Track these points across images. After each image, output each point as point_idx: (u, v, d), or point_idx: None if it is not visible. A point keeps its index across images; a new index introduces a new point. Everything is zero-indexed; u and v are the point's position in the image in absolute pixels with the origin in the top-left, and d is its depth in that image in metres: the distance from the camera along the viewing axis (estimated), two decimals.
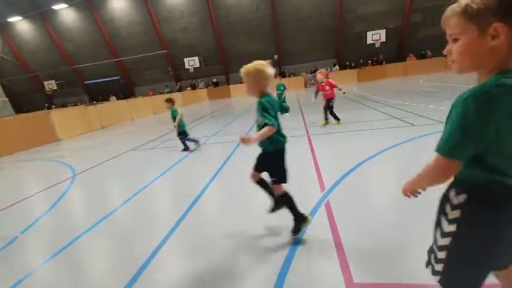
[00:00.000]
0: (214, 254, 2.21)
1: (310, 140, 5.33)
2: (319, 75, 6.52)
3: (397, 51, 21.55)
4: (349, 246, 2.07)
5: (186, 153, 5.64)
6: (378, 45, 20.63)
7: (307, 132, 6.02)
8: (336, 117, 6.54)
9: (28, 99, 29.06)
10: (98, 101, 24.83)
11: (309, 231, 2.32)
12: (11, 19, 24.65)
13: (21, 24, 25.50)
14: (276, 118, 2.09)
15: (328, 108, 6.51)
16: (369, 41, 20.59)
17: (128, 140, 8.31)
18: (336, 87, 6.35)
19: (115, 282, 2.01)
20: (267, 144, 2.14)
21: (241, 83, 23.40)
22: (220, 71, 24.87)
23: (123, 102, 16.34)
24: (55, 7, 23.21)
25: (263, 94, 2.17)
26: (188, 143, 5.87)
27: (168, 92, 24.10)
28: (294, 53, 22.92)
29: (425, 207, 2.57)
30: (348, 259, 1.92)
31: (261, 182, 2.44)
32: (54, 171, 5.71)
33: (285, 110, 3.46)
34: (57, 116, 10.59)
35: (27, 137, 9.18)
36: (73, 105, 24.70)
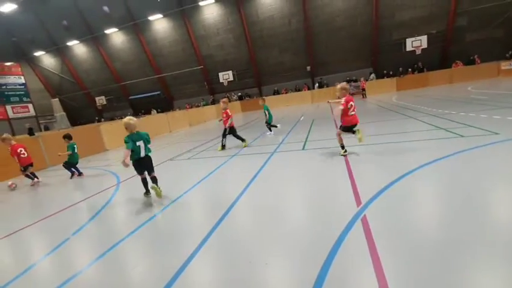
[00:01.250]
0: (247, 262, 2.20)
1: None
2: (222, 104, 7.53)
3: (440, 57, 20.20)
4: (387, 262, 1.93)
5: (221, 162, 5.78)
6: (418, 52, 19.55)
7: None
8: (223, 146, 7.25)
9: (82, 113, 32.39)
10: (140, 114, 26.78)
11: (344, 246, 2.21)
12: (70, 43, 28.02)
13: (78, 47, 28.84)
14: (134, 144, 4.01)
15: (224, 134, 7.27)
16: (409, 48, 19.62)
17: (166, 151, 8.78)
18: (231, 118, 7.31)
19: (150, 287, 2.10)
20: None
21: (274, 94, 23.69)
22: (253, 84, 25.45)
23: (162, 115, 17.43)
24: (107, 31, 25.94)
25: (130, 132, 4.07)
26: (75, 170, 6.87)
27: (204, 105, 25.18)
28: (327, 64, 22.68)
29: (471, 226, 2.33)
30: (385, 274, 1.80)
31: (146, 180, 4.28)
32: (103, 178, 6.22)
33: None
34: (105, 128, 11.62)
35: (81, 147, 10.13)
36: (119, 119, 26.96)
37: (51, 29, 27.72)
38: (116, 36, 26.90)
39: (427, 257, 1.97)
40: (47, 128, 30.54)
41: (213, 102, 25.94)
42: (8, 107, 29.71)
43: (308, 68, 23.15)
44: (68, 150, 6.75)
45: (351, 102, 4.83)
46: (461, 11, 18.58)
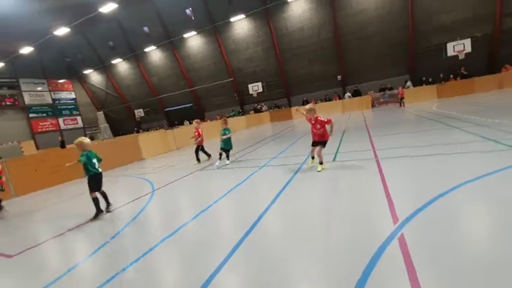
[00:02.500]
0: (277, 274, 2.15)
1: (379, 165, 4.87)
2: (195, 124, 8.85)
3: (487, 61, 18.61)
4: (426, 285, 1.76)
5: (249, 173, 5.81)
6: (462, 56, 18.18)
7: (376, 156, 5.54)
8: (197, 159, 8.26)
9: (123, 124, 34.91)
10: (174, 125, 28.14)
11: (381, 265, 2.07)
12: (114, 61, 30.67)
13: (121, 65, 31.44)
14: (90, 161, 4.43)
15: (197, 150, 8.37)
16: (450, 52, 18.35)
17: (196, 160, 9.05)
18: (201, 137, 8.48)
19: None
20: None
21: (302, 104, 23.50)
22: (282, 95, 25.55)
23: (192, 126, 18.07)
24: (146, 49, 28.00)
25: (83, 151, 4.45)
26: None
27: (233, 116, 25.75)
28: (359, 72, 22.07)
29: None
30: None
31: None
32: (139, 186, 6.57)
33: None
34: (143, 139, 12.37)
35: (121, 156, 10.94)
36: (155, 130, 28.58)
37: (99, 49, 30.65)
38: (153, 54, 28.92)
39: (469, 281, 1.76)
40: (92, 138, 33.33)
41: (243, 114, 26.43)
42: (60, 120, 33.15)
43: (339, 77, 22.71)
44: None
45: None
46: (510, 11, 17.07)
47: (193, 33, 25.39)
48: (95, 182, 4.50)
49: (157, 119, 32.68)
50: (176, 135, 14.38)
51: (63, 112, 33.33)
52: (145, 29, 26.79)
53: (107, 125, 34.09)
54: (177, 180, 6.46)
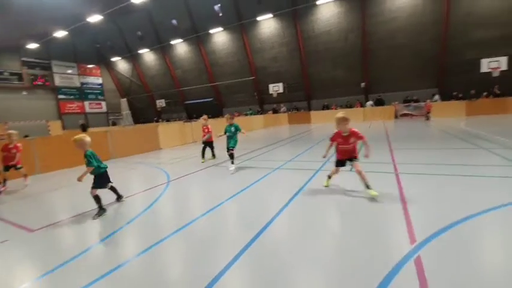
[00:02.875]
0: (284, 280, 2.13)
1: (399, 180, 4.71)
2: (202, 120, 8.53)
3: None
4: None
5: (263, 174, 5.80)
6: (496, 74, 17.25)
7: (396, 170, 5.36)
8: (203, 156, 8.11)
9: (144, 113, 35.90)
10: (193, 118, 28.59)
11: (394, 285, 1.99)
12: (141, 51, 31.55)
13: (147, 55, 32.28)
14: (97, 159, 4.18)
15: (210, 147, 8.23)
16: (484, 69, 17.45)
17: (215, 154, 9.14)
18: (209, 132, 8.21)
19: None
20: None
21: (323, 109, 23.18)
22: (302, 97, 25.31)
23: (212, 121, 18.29)
24: (173, 42, 28.59)
25: (85, 150, 4.09)
26: None
27: (250, 114, 25.81)
28: (384, 81, 21.46)
29: None
30: None
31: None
32: (155, 175, 6.73)
33: None
34: (162, 129, 12.65)
35: (141, 143, 11.26)
36: (174, 121, 29.17)
37: (128, 38, 31.63)
38: (179, 47, 29.47)
39: None
40: (114, 123, 34.56)
41: (262, 113, 26.43)
42: (86, 103, 34.54)
43: (362, 84, 22.19)
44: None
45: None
46: None
47: (220, 29, 25.63)
48: (105, 179, 4.28)
49: (177, 110, 33.34)
50: (194, 128, 14.60)
51: (89, 96, 34.72)
52: (174, 21, 27.34)
53: (129, 112, 35.19)
54: (191, 174, 6.55)
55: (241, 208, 4.08)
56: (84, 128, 24.33)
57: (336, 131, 4.25)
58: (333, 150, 4.45)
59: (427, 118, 16.62)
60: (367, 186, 3.94)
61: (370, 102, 21.45)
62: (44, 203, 5.17)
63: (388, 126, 14.65)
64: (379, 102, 21.19)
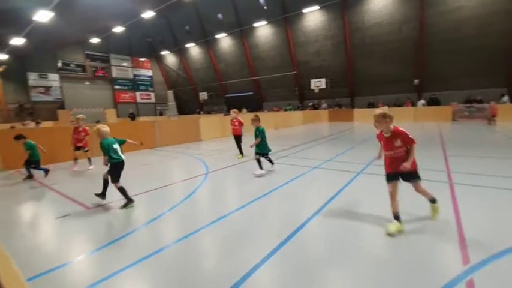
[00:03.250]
0: (315, 284, 2.06)
1: (453, 191, 4.23)
2: (233, 113, 8.27)
3: None
4: None
5: (300, 172, 5.68)
6: None
7: (450, 179, 4.83)
8: (240, 152, 7.84)
9: (187, 104, 37.69)
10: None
11: None
12: (187, 45, 32.95)
13: (193, 49, 33.62)
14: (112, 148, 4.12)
15: (238, 142, 7.93)
16: None
17: (251, 150, 9.23)
18: (243, 125, 7.92)
19: (216, 286, 2.20)
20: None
21: (368, 107, 21.86)
22: (345, 94, 24.15)
23: (251, 114, 18.48)
24: (217, 36, 29.31)
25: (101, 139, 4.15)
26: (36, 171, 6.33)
27: (289, 110, 25.45)
28: (441, 78, 19.36)
29: None
30: None
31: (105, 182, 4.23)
32: (195, 166, 7.03)
33: None
34: (203, 121, 13.14)
35: (183, 134, 11.87)
36: (215, 113, 30.14)
37: (176, 32, 33.25)
38: (223, 41, 30.11)
39: None
40: (161, 114, 36.96)
41: (301, 108, 25.93)
42: (137, 94, 37.37)
43: (416, 81, 20.33)
44: (27, 150, 6.19)
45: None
46: None
47: (264, 22, 25.52)
48: (117, 171, 4.09)
49: (218, 103, 34.33)
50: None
51: (140, 87, 37.50)
52: (220, 16, 27.94)
53: (175, 103, 37.21)
54: (229, 167, 6.70)
55: (275, 206, 4.06)
56: (133, 117, 26.52)
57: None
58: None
59: (491, 122, 14.67)
60: (433, 201, 3.21)
61: (422, 102, 19.58)
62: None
63: (444, 129, 13.26)
64: (433, 102, 19.24)
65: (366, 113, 20.79)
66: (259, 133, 5.83)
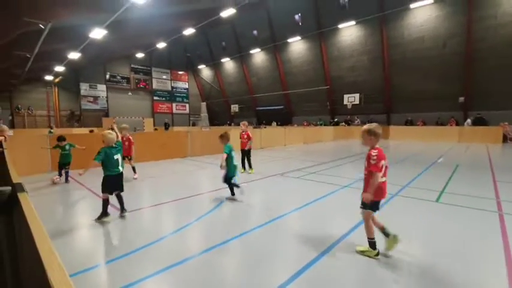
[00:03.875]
0: None
1: (503, 221, 3.76)
2: (242, 126, 8.09)
3: None
4: None
5: (330, 190, 5.46)
6: None
7: (500, 209, 4.30)
8: (250, 166, 7.65)
9: (219, 116, 38.83)
10: (262, 124, 29.43)
11: None
12: (223, 60, 34.31)
13: (228, 64, 34.90)
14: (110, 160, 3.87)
15: (246, 156, 7.65)
16: None
17: (278, 164, 9.16)
18: (251, 139, 7.68)
19: None
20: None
21: (405, 124, 20.69)
22: (380, 110, 23.14)
23: (281, 128, 18.47)
24: (251, 51, 30.17)
25: (107, 145, 3.92)
26: None
27: (320, 125, 24.98)
28: (489, 97, 17.73)
29: None
30: None
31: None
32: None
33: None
34: (233, 132, 13.36)
35: (214, 145, 12.12)
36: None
37: (213, 48, 34.88)
38: (257, 55, 30.89)
39: None
40: (193, 124, 38.46)
41: (334, 124, 25.33)
42: (174, 104, 39.41)
43: (461, 98, 18.84)
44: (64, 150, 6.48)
45: (383, 161, 2.80)
46: None
47: (298, 38, 25.77)
48: (109, 183, 3.88)
49: (248, 115, 34.89)
50: (263, 134, 14.96)
51: (177, 99, 39.58)
52: (255, 32, 28.83)
53: (207, 114, 38.60)
54: (255, 180, 6.66)
55: (303, 223, 3.91)
56: (167, 127, 27.94)
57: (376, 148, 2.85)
58: None
59: None
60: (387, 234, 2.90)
61: (468, 121, 18.04)
62: (134, 189, 6.02)
63: (493, 152, 12.01)
64: (478, 121, 17.64)
65: (402, 131, 19.71)
66: (227, 151, 5.11)
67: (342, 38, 23.57)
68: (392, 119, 22.49)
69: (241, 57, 32.11)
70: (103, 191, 3.90)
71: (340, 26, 22.63)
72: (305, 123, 26.96)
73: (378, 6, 20.55)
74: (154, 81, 36.94)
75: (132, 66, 34.71)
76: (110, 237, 3.53)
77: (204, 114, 38.32)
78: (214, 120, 38.24)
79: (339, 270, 2.64)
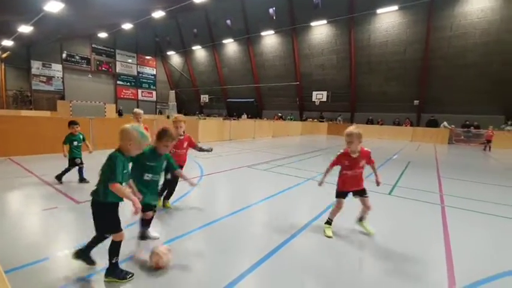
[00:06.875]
0: None
1: (444, 213, 4.23)
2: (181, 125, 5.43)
3: None
4: None
5: (296, 182, 5.65)
6: None
7: (442, 201, 4.83)
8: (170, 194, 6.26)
9: (187, 106, 37.76)
10: (232, 116, 29.28)
11: None
12: (194, 47, 33.22)
13: (199, 52, 33.89)
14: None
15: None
16: None
17: (246, 156, 9.23)
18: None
19: None
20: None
21: (367, 123, 22.01)
22: (345, 108, 24.35)
23: (251, 121, 18.55)
24: (224, 41, 29.60)
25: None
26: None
27: (290, 120, 25.56)
28: (441, 101, 19.60)
29: None
30: None
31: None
32: (190, 167, 6.95)
33: None
34: (202, 124, 13.13)
35: None
36: (214, 117, 30.19)
37: (184, 34, 33.56)
38: (230, 46, 30.40)
39: None
40: (160, 113, 36.96)
41: (305, 119, 26.02)
42: (139, 91, 37.39)
43: (416, 102, 20.56)
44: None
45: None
46: None
47: (271, 32, 25.84)
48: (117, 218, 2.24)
49: (218, 107, 34.43)
50: (232, 126, 14.90)
51: (143, 85, 37.57)
52: (228, 22, 28.28)
53: (175, 103, 37.29)
54: (224, 171, 6.66)
55: (267, 214, 4.01)
56: (120, 114, 26.54)
57: (340, 151, 3.23)
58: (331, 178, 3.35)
59: (486, 148, 14.80)
60: (361, 219, 3.33)
61: (445, 123, 18.58)
62: (92, 178, 5.64)
63: (440, 151, 13.35)
64: (431, 123, 19.44)
65: (364, 129, 20.67)
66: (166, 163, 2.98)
67: (314, 35, 24.14)
68: (356, 117, 23.79)
69: (214, 46, 31.38)
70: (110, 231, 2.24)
71: (312, 23, 23.13)
72: (275, 117, 27.36)
73: (348, 8, 21.34)
74: (118, 64, 34.60)
75: (93, 46, 32.08)
76: (64, 228, 3.29)
77: (173, 103, 36.97)
78: (183, 110, 37.11)
79: (303, 254, 2.78)
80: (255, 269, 2.47)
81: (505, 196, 5.46)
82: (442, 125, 18.82)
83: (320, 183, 3.34)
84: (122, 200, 2.15)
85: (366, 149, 3.22)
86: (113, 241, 2.21)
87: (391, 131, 19.91)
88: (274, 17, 25.08)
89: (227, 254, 2.75)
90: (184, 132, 4.02)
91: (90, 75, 32.32)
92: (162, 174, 2.90)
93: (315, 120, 25.19)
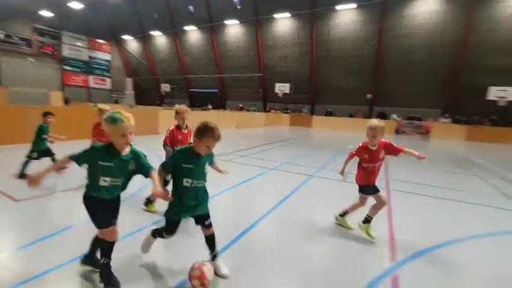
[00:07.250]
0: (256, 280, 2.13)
1: (389, 195, 4.74)
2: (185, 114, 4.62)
3: None
4: None
5: (258, 172, 5.79)
6: (503, 103, 17.26)
7: (387, 185, 5.38)
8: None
9: (147, 95, 35.76)
10: (195, 106, 28.52)
11: None
12: (153, 33, 31.34)
13: (159, 38, 32.09)
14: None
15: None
16: (491, 97, 17.42)
17: None
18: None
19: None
20: None
21: (326, 115, 23.15)
22: (307, 100, 25.27)
23: (214, 112, 18.33)
24: (186, 28, 28.41)
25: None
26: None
27: (254, 111, 25.77)
28: (391, 96, 21.39)
29: None
30: None
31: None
32: (153, 160, 6.70)
33: None
34: (163, 114, 12.63)
35: (141, 125, 11.21)
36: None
37: (143, 19, 31.38)
38: (192, 34, 29.30)
39: None
40: (116, 102, 34.40)
41: (268, 111, 26.35)
42: (91, 77, 34.29)
43: (369, 95, 22.14)
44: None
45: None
46: None
47: (235, 21, 25.45)
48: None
49: (180, 96, 33.22)
50: (194, 117, 14.54)
51: (95, 71, 34.49)
52: (191, 8, 27.12)
53: (133, 92, 35.09)
54: None
55: (227, 206, 4.09)
56: (66, 102, 24.24)
57: (359, 144, 3.14)
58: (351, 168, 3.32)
59: (425, 137, 16.71)
60: (345, 213, 3.35)
61: (394, 116, 20.50)
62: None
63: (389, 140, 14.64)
64: (381, 116, 21.20)
65: (323, 121, 22.14)
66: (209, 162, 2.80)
67: (277, 28, 24.38)
68: (316, 109, 24.86)
69: (175, 33, 29.95)
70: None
71: (276, 15, 23.29)
72: (238, 108, 27.34)
73: (310, 2, 21.89)
74: (65, 47, 31.15)
75: (35, 26, 28.37)
76: (4, 228, 3.01)
77: (130, 91, 34.71)
78: (141, 99, 35.08)
79: (264, 242, 2.93)
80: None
81: (438, 178, 6.27)
82: (391, 118, 20.75)
83: (341, 172, 3.28)
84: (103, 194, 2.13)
85: (383, 140, 3.02)
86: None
87: (347, 122, 21.31)
88: (239, 7, 24.69)
89: (190, 248, 2.77)
90: (187, 127, 3.85)
91: (31, 59, 28.68)
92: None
93: (278, 111, 25.73)
